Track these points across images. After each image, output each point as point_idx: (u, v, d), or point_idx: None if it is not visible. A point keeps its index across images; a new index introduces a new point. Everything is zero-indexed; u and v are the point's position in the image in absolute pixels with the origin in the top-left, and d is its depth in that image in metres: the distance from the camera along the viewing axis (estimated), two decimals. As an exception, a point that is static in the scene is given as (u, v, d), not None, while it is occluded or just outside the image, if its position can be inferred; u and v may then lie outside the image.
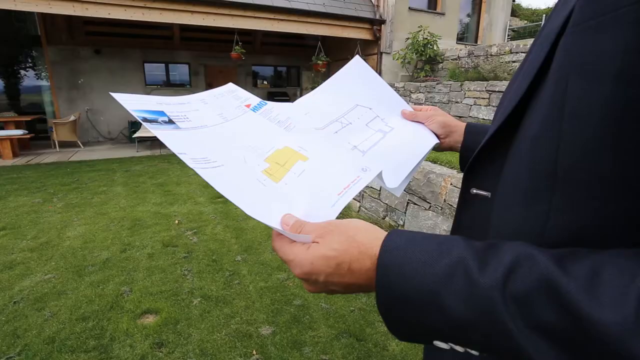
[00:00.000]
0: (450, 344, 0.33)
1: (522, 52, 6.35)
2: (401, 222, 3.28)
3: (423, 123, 0.75)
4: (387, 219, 3.50)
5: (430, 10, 8.75)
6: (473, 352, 0.32)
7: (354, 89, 0.75)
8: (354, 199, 4.07)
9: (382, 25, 8.16)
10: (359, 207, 3.96)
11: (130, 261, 2.82)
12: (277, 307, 2.25)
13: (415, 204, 3.12)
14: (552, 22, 0.36)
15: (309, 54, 8.62)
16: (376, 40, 8.25)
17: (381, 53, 8.30)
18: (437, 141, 0.74)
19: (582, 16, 0.31)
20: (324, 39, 8.26)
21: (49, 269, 2.69)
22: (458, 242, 0.33)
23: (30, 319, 2.11)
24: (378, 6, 8.16)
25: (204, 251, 3.02)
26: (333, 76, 0.72)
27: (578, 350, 0.26)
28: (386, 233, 0.36)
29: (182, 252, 2.98)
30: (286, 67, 11.33)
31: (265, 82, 11.79)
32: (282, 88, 11.50)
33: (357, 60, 0.77)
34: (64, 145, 7.65)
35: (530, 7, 21.07)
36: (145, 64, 9.12)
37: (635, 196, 0.28)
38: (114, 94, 0.49)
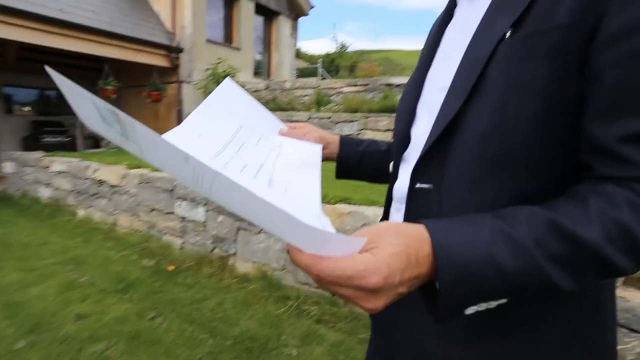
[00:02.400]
0: (491, 302, 0.39)
1: (310, 88, 7.45)
2: (232, 251, 3.19)
3: (302, 138, 0.79)
4: (216, 250, 3.33)
5: (226, 44, 9.13)
6: (498, 302, 0.40)
7: (232, 111, 0.74)
8: (175, 236, 3.68)
9: (181, 54, 7.91)
10: (182, 244, 3.61)
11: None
12: None
13: (245, 229, 3.11)
14: (477, 50, 0.46)
15: (92, 77, 7.37)
16: (175, 68, 7.91)
17: (181, 82, 8.01)
18: (321, 146, 0.78)
19: (514, 49, 0.43)
20: (115, 61, 7.28)
21: None
22: (481, 216, 0.40)
23: None
24: (174, 34, 7.89)
25: (-48, 349, 2.03)
26: (207, 98, 0.71)
27: (579, 267, 0.38)
28: (420, 223, 0.39)
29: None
30: (58, 90, 9.25)
31: (27, 109, 9.28)
32: (53, 117, 9.30)
33: (228, 82, 0.77)
34: None
35: (307, 52, 25.48)
36: None
37: (555, 172, 0.44)
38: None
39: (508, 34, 0.43)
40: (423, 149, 0.51)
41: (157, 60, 7.63)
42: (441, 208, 0.49)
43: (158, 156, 0.35)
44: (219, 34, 9.08)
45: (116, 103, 8.26)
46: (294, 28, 11.38)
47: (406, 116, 0.61)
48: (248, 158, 0.60)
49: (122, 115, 0.33)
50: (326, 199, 2.75)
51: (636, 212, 0.37)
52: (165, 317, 2.45)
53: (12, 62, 7.67)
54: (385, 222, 0.40)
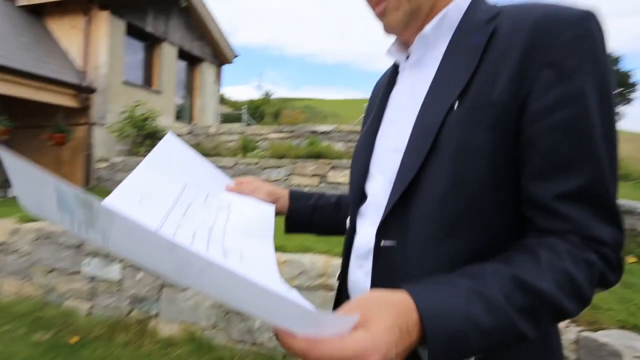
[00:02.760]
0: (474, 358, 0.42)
1: (235, 134, 7.42)
2: (154, 312, 2.85)
3: (250, 194, 0.77)
4: (133, 313, 2.94)
5: (146, 87, 8.75)
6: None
7: (176, 168, 0.71)
8: (81, 300, 3.17)
9: (93, 94, 7.32)
10: (89, 309, 3.12)
11: None
12: None
13: (169, 286, 2.83)
14: (429, 117, 0.52)
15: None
16: (85, 109, 7.25)
17: (92, 124, 7.34)
18: (273, 206, 0.78)
19: (462, 119, 0.49)
20: (10, 99, 6.40)
21: None
22: (450, 277, 0.44)
23: None
24: (86, 73, 7.31)
25: None
26: (148, 156, 0.68)
27: (540, 315, 0.42)
28: (401, 289, 0.41)
29: None
30: None
31: None
32: None
33: (169, 137, 0.74)
34: None
35: (231, 98, 25.78)
36: None
37: (505, 225, 0.51)
38: None
39: (456, 105, 0.50)
40: (386, 208, 0.54)
41: (63, 99, 6.92)
42: (407, 265, 0.52)
43: (133, 247, 0.32)
44: (138, 76, 8.68)
45: (8, 144, 7.18)
46: (218, 74, 11.45)
47: (360, 173, 0.65)
48: (196, 222, 0.57)
49: (97, 204, 0.29)
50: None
51: (576, 261, 0.43)
52: (68, 403, 2.03)
53: None
54: (370, 293, 0.40)
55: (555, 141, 0.46)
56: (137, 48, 8.70)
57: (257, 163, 5.89)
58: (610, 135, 0.47)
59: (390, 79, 0.68)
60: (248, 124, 12.72)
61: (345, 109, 26.13)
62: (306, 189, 5.45)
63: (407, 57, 0.63)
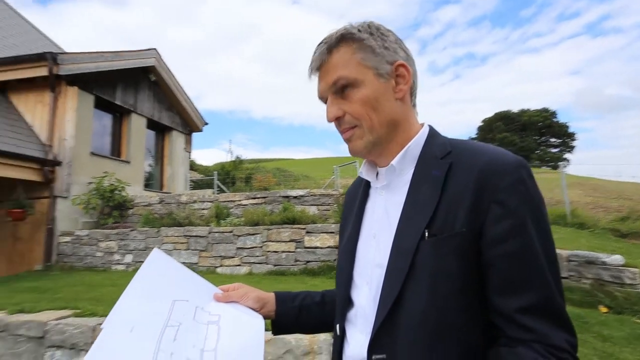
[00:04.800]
0: None
1: (208, 201, 7.36)
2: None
3: (238, 302, 0.79)
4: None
5: (114, 157, 8.66)
6: None
7: (163, 284, 0.72)
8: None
9: (57, 167, 7.14)
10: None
11: None
12: None
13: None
14: (404, 243, 0.63)
15: None
16: (48, 182, 7.00)
17: (55, 197, 7.06)
18: (261, 318, 0.79)
19: (432, 246, 0.60)
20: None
21: None
22: None
23: None
24: (51, 146, 7.18)
25: None
26: (135, 276, 0.69)
27: None
28: None
29: None
30: None
31: None
32: None
33: (156, 253, 0.76)
34: None
35: (202, 164, 25.82)
36: None
37: (479, 332, 0.59)
38: None
39: (426, 235, 0.61)
40: (375, 323, 0.63)
41: (24, 174, 6.68)
42: None
43: None
44: (105, 147, 8.63)
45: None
46: (188, 142, 11.58)
47: (345, 282, 0.74)
48: (188, 347, 0.61)
49: None
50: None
51: None
52: None
53: None
54: None
55: (510, 266, 0.58)
56: (106, 119, 8.75)
57: (231, 231, 5.82)
58: (551, 257, 0.59)
59: (363, 192, 0.79)
60: (220, 190, 12.64)
61: (314, 168, 26.81)
62: (283, 255, 5.41)
63: (377, 175, 0.76)
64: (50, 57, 6.83)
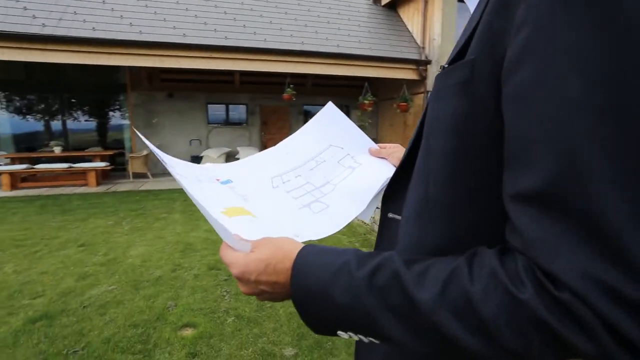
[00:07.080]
0: (349, 332, 0.40)
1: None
2: None
3: (386, 158, 0.82)
4: None
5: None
6: (364, 339, 0.41)
7: (328, 131, 0.85)
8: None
9: (428, 66, 8.37)
10: None
11: (178, 280, 3.15)
12: (303, 332, 2.38)
13: None
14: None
15: (357, 93, 9.03)
16: (422, 79, 8.45)
17: (428, 92, 8.46)
18: (393, 170, 0.80)
19: (435, 85, 0.44)
20: (371, 79, 8.65)
21: (113, 282, 3.10)
22: (349, 251, 0.42)
23: (93, 322, 2.47)
24: (424, 47, 8.43)
25: (242, 275, 3.24)
26: (311, 120, 0.84)
27: (415, 324, 0.36)
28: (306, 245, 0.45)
29: (224, 275, 3.26)
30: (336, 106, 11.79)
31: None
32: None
33: (330, 106, 0.87)
34: (137, 176, 8.65)
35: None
36: (208, 105, 10.15)
37: (474, 216, 0.40)
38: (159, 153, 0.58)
39: (440, 69, 0.43)
40: (390, 178, 0.57)
41: (406, 74, 8.42)
42: (397, 240, 0.49)
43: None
44: (470, 40, 8.90)
45: (372, 114, 9.74)
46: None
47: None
48: (318, 176, 0.74)
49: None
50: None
51: (491, 292, 0.32)
52: None
53: (309, 88, 10.51)
54: (275, 237, 0.47)
55: (514, 113, 0.33)
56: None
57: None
58: (598, 99, 0.28)
59: None
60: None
61: None
62: None
63: None
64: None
